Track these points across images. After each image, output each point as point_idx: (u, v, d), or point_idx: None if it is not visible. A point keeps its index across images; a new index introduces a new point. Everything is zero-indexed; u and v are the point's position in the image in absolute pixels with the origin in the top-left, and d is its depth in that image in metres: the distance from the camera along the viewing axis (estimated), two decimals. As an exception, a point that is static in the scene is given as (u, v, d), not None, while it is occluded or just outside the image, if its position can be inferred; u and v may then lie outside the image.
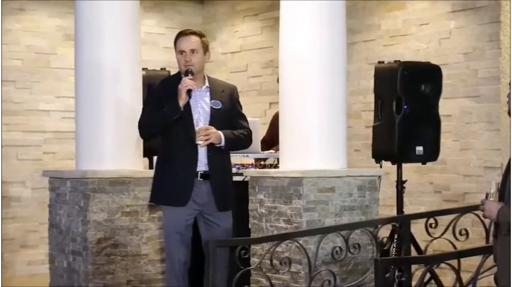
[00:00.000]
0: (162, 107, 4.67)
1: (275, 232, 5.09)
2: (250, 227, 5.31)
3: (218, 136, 4.67)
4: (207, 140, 4.64)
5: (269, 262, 4.74)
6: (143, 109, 4.87)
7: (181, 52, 4.72)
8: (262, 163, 6.09)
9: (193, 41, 4.73)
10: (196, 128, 4.67)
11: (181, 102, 4.63)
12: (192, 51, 4.71)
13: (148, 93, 4.90)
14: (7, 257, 7.69)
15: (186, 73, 4.69)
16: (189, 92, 4.64)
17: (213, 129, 4.65)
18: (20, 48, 7.91)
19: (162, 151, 4.81)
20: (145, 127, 4.77)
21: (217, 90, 4.82)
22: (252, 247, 5.04)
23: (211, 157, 4.70)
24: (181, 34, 4.80)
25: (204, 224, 4.76)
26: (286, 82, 5.30)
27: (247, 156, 6.01)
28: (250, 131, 4.87)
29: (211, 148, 4.69)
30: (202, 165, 4.69)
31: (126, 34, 5.63)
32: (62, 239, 5.67)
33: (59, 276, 5.69)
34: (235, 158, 5.77)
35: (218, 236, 4.69)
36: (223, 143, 4.69)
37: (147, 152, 5.93)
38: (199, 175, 4.67)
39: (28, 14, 7.99)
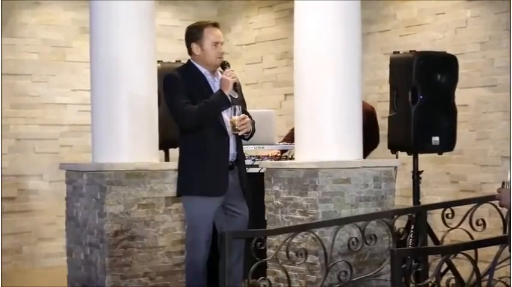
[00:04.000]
0: (191, 96, 4.59)
1: (291, 224, 5.09)
2: (266, 218, 5.31)
3: (250, 125, 4.69)
4: (244, 129, 4.65)
5: (285, 253, 4.74)
6: (174, 99, 4.65)
7: (215, 44, 4.70)
8: (279, 154, 6.09)
9: (221, 34, 4.78)
10: (233, 117, 4.65)
11: (228, 93, 4.63)
12: (222, 43, 4.73)
13: (173, 83, 4.69)
14: (25, 250, 7.74)
15: (224, 66, 4.69)
16: (234, 84, 4.65)
17: (248, 119, 4.67)
18: (36, 42, 7.94)
19: (190, 142, 4.69)
20: (193, 117, 4.59)
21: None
22: (268, 238, 5.05)
23: (238, 147, 4.73)
24: (211, 25, 4.75)
25: (226, 214, 4.75)
26: (301, 73, 5.28)
27: (262, 148, 6.01)
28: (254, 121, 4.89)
29: (236, 137, 4.70)
30: (232, 156, 4.71)
31: (141, 27, 5.63)
32: (79, 232, 5.69)
33: (77, 268, 5.72)
34: (251, 149, 5.77)
35: (239, 226, 4.71)
36: (250, 132, 4.71)
37: (163, 145, 5.94)
38: (230, 165, 4.68)
39: (44, 7, 8.01)
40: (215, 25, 4.77)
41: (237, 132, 4.65)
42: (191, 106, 4.61)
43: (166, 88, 4.76)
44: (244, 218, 4.77)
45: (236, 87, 4.69)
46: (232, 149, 4.71)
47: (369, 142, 5.45)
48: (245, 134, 4.72)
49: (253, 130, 4.81)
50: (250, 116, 4.83)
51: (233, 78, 4.64)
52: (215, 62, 4.71)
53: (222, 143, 4.66)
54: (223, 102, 4.63)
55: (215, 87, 4.71)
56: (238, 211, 4.75)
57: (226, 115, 4.70)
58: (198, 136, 4.67)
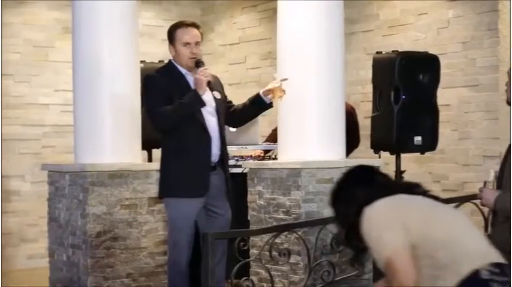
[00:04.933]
0: (169, 97, 4.57)
1: (274, 224, 5.08)
2: (249, 218, 5.31)
3: None
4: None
5: (268, 253, 4.73)
6: (150, 100, 4.69)
7: (186, 44, 4.67)
8: (262, 155, 6.09)
9: (196, 33, 4.72)
10: (274, 84, 4.73)
11: (202, 93, 4.59)
12: (196, 43, 4.69)
13: (151, 84, 4.72)
14: (7, 252, 7.69)
15: (199, 64, 4.64)
16: (208, 83, 4.61)
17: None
18: (18, 42, 7.89)
19: (171, 143, 4.68)
20: (166, 118, 4.58)
21: (212, 81, 4.80)
22: (251, 238, 5.04)
23: (222, 147, 4.70)
24: (181, 25, 4.74)
25: (207, 215, 4.73)
26: (284, 73, 5.27)
27: (245, 148, 6.01)
28: None
29: (221, 138, 4.68)
30: (215, 156, 4.68)
31: (124, 26, 5.60)
32: (61, 233, 5.66)
33: (59, 269, 5.69)
34: (234, 150, 5.76)
35: (220, 226, 4.68)
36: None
37: (146, 145, 5.92)
38: (211, 165, 4.66)
39: (27, 7, 7.97)
40: (190, 25, 4.73)
41: (279, 98, 4.69)
42: (165, 107, 4.57)
43: (145, 89, 4.79)
44: (226, 219, 4.75)
45: (210, 85, 4.65)
46: (215, 150, 4.68)
47: (349, 142, 5.45)
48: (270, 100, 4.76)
49: None
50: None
51: (206, 77, 4.60)
52: (187, 62, 4.68)
53: (204, 144, 4.63)
54: (197, 102, 4.59)
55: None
56: (219, 211, 4.73)
57: (211, 116, 4.68)
58: (179, 137, 4.64)
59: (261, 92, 4.81)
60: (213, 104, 4.70)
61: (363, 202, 2.89)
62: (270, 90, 4.71)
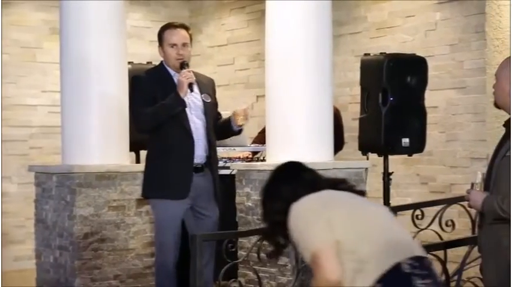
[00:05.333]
0: (154, 99, 4.59)
1: (262, 225, 5.06)
2: (237, 220, 5.30)
3: None
4: (246, 119, 4.67)
5: (256, 255, 4.72)
6: (134, 101, 4.74)
7: (173, 45, 4.67)
8: (251, 156, 6.09)
9: (184, 35, 4.71)
10: (238, 109, 4.66)
11: (183, 95, 4.57)
12: (184, 44, 4.68)
13: (137, 85, 4.76)
14: (-6, 253, 7.66)
15: (182, 66, 4.64)
16: (190, 85, 4.60)
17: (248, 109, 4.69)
18: (6, 42, 7.85)
19: (155, 144, 4.70)
20: (146, 120, 4.60)
21: (202, 83, 4.80)
22: (239, 240, 5.03)
23: (210, 149, 4.69)
24: (169, 26, 4.75)
25: (194, 217, 4.73)
26: (272, 75, 5.28)
27: (234, 149, 6.00)
28: None
29: (209, 140, 4.67)
30: (197, 157, 4.67)
31: (112, 27, 5.59)
32: (48, 235, 5.63)
33: (46, 271, 5.66)
34: (222, 151, 5.75)
35: (207, 228, 4.67)
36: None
37: (134, 146, 5.90)
38: (196, 167, 4.65)
39: (14, 7, 7.93)
40: (179, 27, 4.73)
41: (241, 123, 4.63)
42: (147, 108, 4.57)
43: (131, 89, 4.83)
44: (213, 221, 4.74)
45: (191, 87, 4.63)
46: (201, 152, 4.66)
47: (334, 144, 5.46)
48: (239, 128, 4.70)
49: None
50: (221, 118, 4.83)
51: (188, 79, 4.59)
52: (174, 63, 4.69)
53: (187, 146, 4.62)
54: (178, 104, 4.57)
55: None
56: (206, 213, 4.72)
57: (197, 118, 4.67)
58: (162, 138, 4.64)
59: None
60: (201, 106, 4.69)
61: (289, 199, 2.95)
62: (234, 114, 4.67)
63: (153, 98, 4.59)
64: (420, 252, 2.85)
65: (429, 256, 4.18)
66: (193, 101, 4.68)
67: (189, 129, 4.62)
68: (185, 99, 4.63)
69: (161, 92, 4.61)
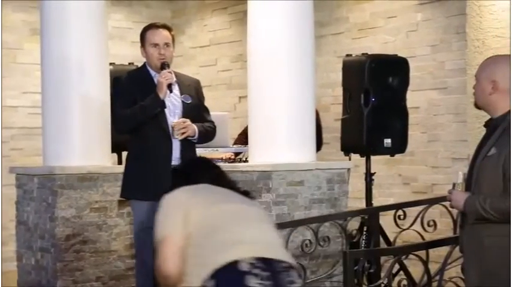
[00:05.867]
0: (134, 100, 4.59)
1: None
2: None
3: (193, 129, 4.64)
4: (183, 133, 4.61)
5: (239, 256, 4.71)
6: (115, 102, 4.76)
7: (155, 45, 4.66)
8: (233, 157, 6.08)
9: (165, 35, 4.70)
10: (173, 121, 4.62)
11: (162, 95, 4.56)
12: (166, 44, 4.67)
13: (117, 86, 4.79)
14: (-25, 255, 7.59)
15: (163, 67, 4.62)
16: (169, 86, 4.59)
17: (188, 123, 4.62)
18: (-14, 44, 7.80)
19: (134, 145, 4.72)
20: (124, 121, 4.62)
21: (185, 84, 4.78)
22: (222, 241, 5.01)
23: (184, 151, 4.66)
24: (151, 27, 4.74)
25: None
26: (254, 76, 5.28)
27: (216, 150, 5.99)
28: (215, 124, 4.85)
29: (183, 142, 4.65)
30: (175, 160, 4.65)
31: (93, 28, 5.57)
32: (29, 236, 5.60)
33: (27, 273, 5.63)
34: (205, 152, 5.74)
35: None
36: (196, 136, 4.66)
37: (116, 148, 5.88)
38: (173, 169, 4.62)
39: (-7, 8, 7.88)
40: (160, 27, 4.72)
41: (176, 137, 4.61)
42: (125, 110, 4.59)
43: (112, 91, 4.85)
44: None
45: (171, 88, 4.62)
46: (176, 153, 4.66)
47: None
48: (191, 138, 4.66)
49: (213, 134, 4.80)
50: (210, 121, 4.79)
51: (167, 79, 4.58)
52: (156, 64, 4.67)
53: (165, 147, 4.61)
54: (156, 105, 4.57)
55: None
56: None
57: (174, 118, 4.66)
58: (141, 139, 4.64)
59: None
60: (180, 107, 4.68)
61: (168, 190, 3.08)
62: (171, 126, 4.65)
63: (133, 99, 4.59)
64: (278, 256, 2.82)
65: (411, 256, 4.22)
66: (173, 102, 4.68)
67: (167, 130, 4.61)
68: (166, 100, 4.62)
69: (141, 93, 4.60)
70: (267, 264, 2.77)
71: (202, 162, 3.28)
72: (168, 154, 4.61)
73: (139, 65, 4.99)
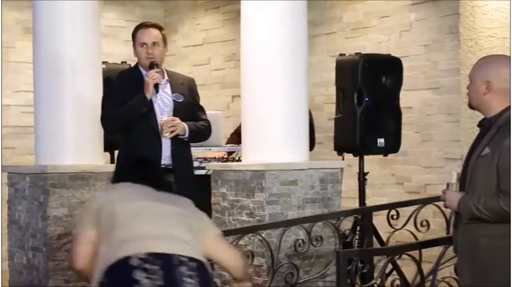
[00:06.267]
0: (123, 100, 4.61)
1: (238, 226, 5.06)
2: (212, 220, 5.27)
3: (183, 128, 4.63)
4: (172, 131, 4.60)
5: (232, 255, 4.70)
6: (104, 102, 4.80)
7: (143, 45, 4.67)
8: (226, 156, 6.07)
9: (154, 34, 4.69)
10: (162, 120, 4.61)
11: (149, 95, 4.58)
12: (154, 43, 4.67)
13: (108, 86, 4.84)
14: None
15: (151, 66, 4.63)
16: (156, 85, 4.59)
17: (178, 121, 4.62)
18: (-23, 42, 7.76)
19: (124, 144, 4.75)
20: (111, 121, 4.68)
21: (177, 83, 4.77)
22: (215, 240, 4.99)
23: (175, 150, 4.66)
24: (141, 26, 4.75)
25: None
26: (248, 75, 5.27)
27: (209, 149, 5.98)
28: (209, 123, 4.84)
29: (174, 140, 4.64)
30: (165, 159, 4.64)
31: (86, 27, 5.55)
32: (21, 235, 5.58)
33: (19, 273, 5.60)
34: (198, 151, 5.73)
35: None
36: (187, 135, 4.65)
37: (108, 147, 5.85)
38: (165, 169, 4.62)
39: (-15, 7, 7.84)
40: (150, 26, 4.72)
41: (165, 135, 4.60)
42: (113, 109, 4.63)
43: (103, 91, 4.90)
44: None
45: (157, 88, 4.61)
46: (166, 153, 4.65)
47: None
48: (181, 136, 4.64)
49: (208, 133, 4.79)
50: (205, 119, 4.78)
51: (154, 79, 4.58)
52: (145, 63, 4.68)
53: (154, 146, 4.61)
54: (142, 105, 4.58)
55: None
56: None
57: (164, 117, 4.65)
58: (131, 139, 4.67)
59: None
60: (171, 106, 4.67)
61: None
62: (161, 124, 4.64)
63: (124, 99, 4.60)
64: (177, 251, 2.94)
65: (404, 256, 4.21)
66: (164, 101, 4.68)
67: (157, 129, 4.61)
68: (156, 99, 4.62)
69: (132, 92, 4.61)
70: (160, 259, 2.89)
71: (137, 161, 3.41)
72: (158, 153, 4.60)
73: (132, 64, 4.99)
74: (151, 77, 4.58)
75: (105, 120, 4.73)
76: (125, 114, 4.61)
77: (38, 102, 5.59)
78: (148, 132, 4.62)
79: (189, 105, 4.76)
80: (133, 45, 4.75)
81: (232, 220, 5.14)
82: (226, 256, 3.23)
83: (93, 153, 5.53)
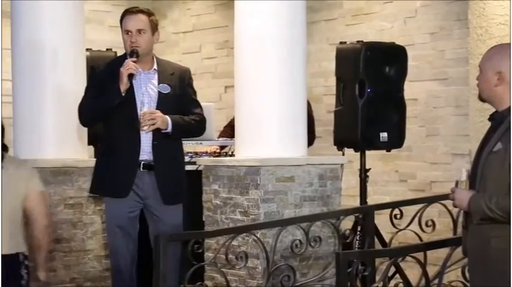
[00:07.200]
0: (105, 91, 4.61)
1: (231, 225, 5.07)
2: (204, 219, 5.28)
3: (165, 121, 4.62)
4: (152, 125, 4.59)
5: (224, 256, 4.72)
6: (85, 93, 4.83)
7: (128, 32, 4.67)
8: (218, 151, 6.07)
9: (140, 20, 4.68)
10: (140, 112, 4.61)
11: (123, 87, 4.58)
12: (139, 31, 4.66)
13: (91, 76, 4.87)
14: None
15: (131, 54, 4.64)
16: (130, 76, 4.58)
17: (158, 113, 4.61)
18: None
19: (104, 138, 4.79)
20: (84, 112, 4.74)
21: (166, 73, 4.76)
22: (206, 241, 5.02)
23: (157, 145, 4.65)
24: (127, 12, 4.74)
25: (150, 218, 4.74)
26: (242, 64, 5.26)
27: (200, 143, 5.98)
28: (204, 117, 4.83)
29: (157, 135, 4.64)
30: (145, 154, 4.65)
31: (68, 11, 5.53)
32: (-2, 234, 5.57)
33: (-4, 274, 5.60)
34: (188, 145, 5.73)
35: (164, 233, 4.64)
36: (169, 129, 4.64)
37: (92, 140, 5.84)
38: (141, 165, 4.62)
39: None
40: (135, 12, 4.71)
41: (144, 129, 4.60)
42: (87, 101, 4.69)
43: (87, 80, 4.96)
44: (171, 225, 4.72)
45: (133, 79, 4.61)
46: (147, 148, 4.65)
47: None
48: (164, 131, 4.63)
49: (199, 128, 4.80)
50: (198, 113, 4.77)
51: (128, 69, 4.57)
52: (129, 51, 4.67)
53: (132, 140, 4.62)
54: (114, 96, 4.60)
55: (140, 78, 4.67)
56: (162, 216, 4.72)
57: (146, 109, 4.65)
58: (109, 132, 4.72)
59: None
60: (155, 97, 4.66)
61: None
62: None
63: (102, 89, 4.61)
64: None
65: (408, 258, 4.22)
66: (148, 92, 4.68)
67: (135, 122, 4.61)
68: (140, 90, 4.62)
69: (110, 84, 4.61)
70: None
71: None
72: (135, 148, 4.60)
73: (118, 51, 4.99)
74: (126, 67, 4.57)
75: (78, 111, 4.77)
76: (97, 107, 4.65)
77: (16, 92, 5.57)
78: (126, 126, 4.64)
79: (177, 98, 4.74)
80: (121, 31, 4.74)
81: (224, 219, 5.15)
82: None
83: (76, 146, 5.51)
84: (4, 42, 7.13)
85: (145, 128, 4.61)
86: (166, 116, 4.63)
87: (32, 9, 5.48)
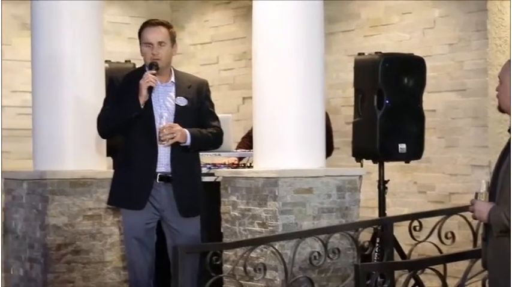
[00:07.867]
0: (123, 103, 4.63)
1: (249, 236, 5.07)
2: (222, 231, 5.29)
3: (184, 134, 4.63)
4: (171, 139, 4.61)
5: (243, 268, 4.71)
6: (103, 104, 4.85)
7: (148, 44, 4.68)
8: (237, 162, 6.08)
9: (161, 33, 4.69)
10: (160, 126, 4.63)
11: (141, 99, 4.60)
12: (160, 43, 4.67)
13: (109, 87, 4.88)
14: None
15: (151, 67, 4.64)
16: (149, 89, 4.60)
17: (178, 127, 4.62)
18: (-30, 38, 7.81)
19: (122, 150, 4.81)
20: (102, 124, 4.75)
21: (183, 85, 4.77)
22: (224, 252, 5.02)
23: (175, 158, 4.67)
24: (147, 24, 4.75)
25: (167, 230, 4.74)
26: (260, 75, 5.28)
27: (219, 155, 5.99)
28: (221, 130, 4.84)
29: (175, 148, 4.65)
30: (162, 166, 4.66)
31: (88, 23, 5.57)
32: (18, 246, 5.60)
33: (15, 286, 5.63)
34: (206, 157, 5.74)
35: (182, 244, 4.64)
36: (188, 142, 4.65)
37: (111, 151, 5.87)
38: (158, 176, 4.64)
39: (-21, 1, 7.89)
40: (156, 24, 4.72)
41: (163, 143, 4.62)
42: (106, 112, 4.71)
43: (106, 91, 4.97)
44: (188, 237, 4.71)
45: (152, 91, 4.63)
46: (165, 160, 4.67)
47: None
48: (182, 144, 4.64)
49: (216, 141, 4.81)
50: (215, 126, 4.78)
51: (147, 82, 4.60)
52: (148, 63, 4.70)
53: (149, 153, 4.64)
54: (132, 109, 4.60)
55: (158, 91, 4.69)
56: (179, 228, 4.70)
57: (165, 122, 4.67)
58: (127, 145, 4.74)
59: None
60: (172, 110, 4.68)
61: None
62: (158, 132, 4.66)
63: (121, 101, 4.64)
64: None
65: (427, 271, 4.20)
66: (166, 104, 4.71)
67: (153, 135, 4.63)
68: (158, 102, 4.64)
69: (128, 96, 4.63)
70: None
71: None
72: (152, 160, 4.63)
73: (136, 62, 5.02)
74: (146, 79, 4.59)
75: (97, 123, 4.78)
76: (115, 119, 4.66)
77: (36, 103, 5.61)
78: (144, 139, 4.65)
79: (195, 110, 4.76)
80: (140, 43, 4.77)
81: (243, 231, 5.15)
82: None
83: (95, 158, 5.55)
84: (24, 54, 7.20)
85: (164, 142, 4.63)
86: (185, 130, 4.64)
87: (52, 21, 5.52)
